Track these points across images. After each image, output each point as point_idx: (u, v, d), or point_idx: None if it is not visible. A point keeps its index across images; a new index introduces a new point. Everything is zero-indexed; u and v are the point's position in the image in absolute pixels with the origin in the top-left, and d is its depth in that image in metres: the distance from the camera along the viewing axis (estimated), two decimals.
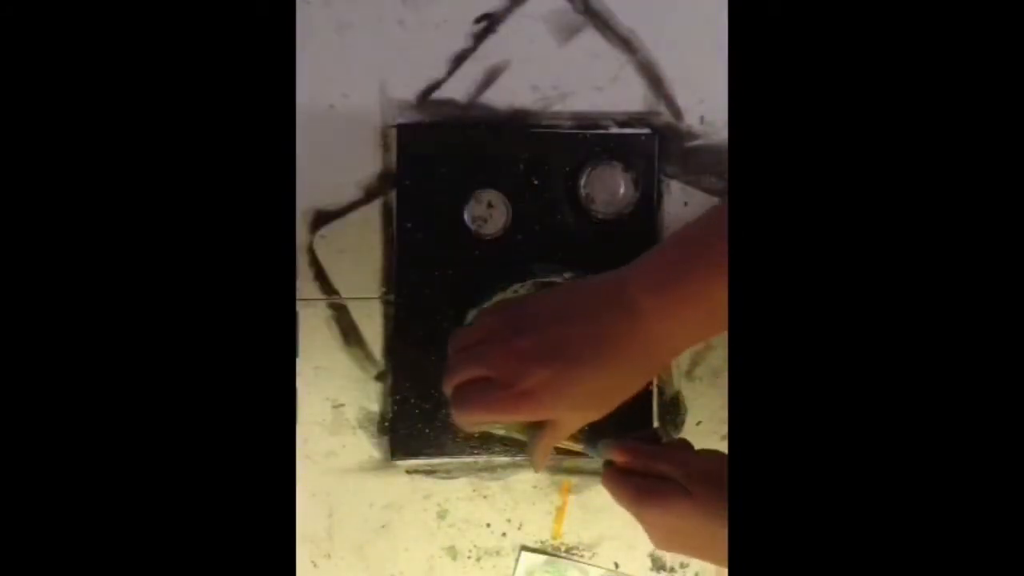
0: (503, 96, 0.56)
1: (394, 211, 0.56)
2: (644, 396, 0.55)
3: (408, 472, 0.56)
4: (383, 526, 0.56)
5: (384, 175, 0.56)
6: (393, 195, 0.56)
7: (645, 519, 0.46)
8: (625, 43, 0.56)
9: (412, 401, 0.55)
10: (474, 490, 0.56)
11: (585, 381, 0.43)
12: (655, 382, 0.56)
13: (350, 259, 0.56)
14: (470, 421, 0.45)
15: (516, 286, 0.53)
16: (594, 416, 0.45)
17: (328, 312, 0.56)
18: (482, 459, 0.56)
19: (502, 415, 0.44)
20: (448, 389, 0.46)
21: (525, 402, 0.43)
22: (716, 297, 0.40)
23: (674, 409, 0.57)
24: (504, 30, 0.56)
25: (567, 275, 0.53)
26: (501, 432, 0.50)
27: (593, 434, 0.49)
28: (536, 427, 0.47)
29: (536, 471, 0.51)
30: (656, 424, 0.56)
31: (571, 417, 0.45)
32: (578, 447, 0.50)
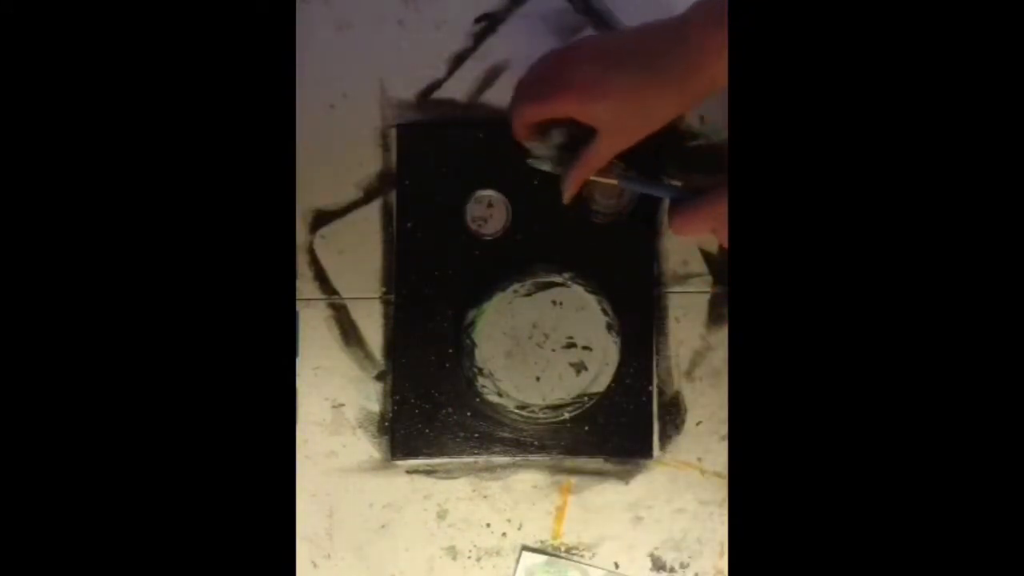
0: (503, 96, 0.56)
1: (394, 211, 0.56)
2: (644, 396, 0.55)
3: (408, 472, 0.56)
4: (383, 526, 0.56)
5: (384, 175, 0.56)
6: (393, 195, 0.56)
7: (719, 216, 0.49)
8: None
9: (412, 401, 0.55)
10: (474, 490, 0.56)
11: (629, 87, 0.45)
12: (655, 382, 0.56)
13: (350, 259, 0.56)
14: (522, 116, 0.48)
15: (516, 286, 0.53)
16: (629, 136, 0.47)
17: (328, 312, 0.56)
18: (482, 459, 0.56)
19: (547, 104, 0.47)
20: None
21: (570, 93, 0.46)
22: None
23: (674, 409, 0.57)
24: (504, 30, 0.57)
25: (567, 275, 0.53)
26: (545, 167, 0.51)
27: (626, 169, 0.51)
28: (572, 155, 0.49)
29: (565, 201, 0.51)
30: (656, 425, 0.56)
31: (610, 130, 0.47)
32: (612, 180, 0.51)
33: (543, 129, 0.49)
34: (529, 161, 0.50)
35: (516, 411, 0.53)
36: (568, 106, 0.46)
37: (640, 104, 0.46)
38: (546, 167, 0.50)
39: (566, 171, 0.50)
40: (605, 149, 0.48)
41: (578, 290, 0.53)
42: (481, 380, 0.53)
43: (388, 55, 0.56)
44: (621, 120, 0.46)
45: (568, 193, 0.51)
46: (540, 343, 0.53)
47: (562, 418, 0.54)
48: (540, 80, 0.47)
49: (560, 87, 0.46)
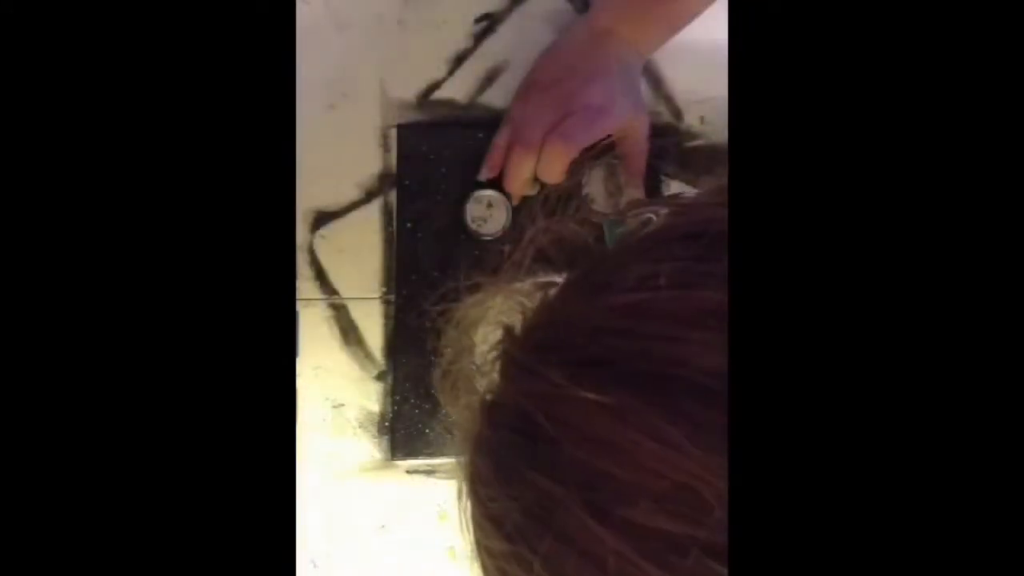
0: (503, 96, 0.56)
1: (394, 211, 0.56)
2: None
3: (408, 472, 0.56)
4: (383, 526, 0.56)
5: (384, 175, 0.56)
6: (393, 195, 0.56)
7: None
8: None
9: (412, 401, 0.55)
10: None
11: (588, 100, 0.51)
12: None
13: (350, 259, 0.56)
14: (515, 190, 0.54)
15: (516, 285, 0.53)
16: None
17: (328, 312, 0.56)
18: None
19: (517, 164, 0.52)
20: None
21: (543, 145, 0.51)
22: None
23: None
24: (504, 30, 0.57)
25: (567, 275, 0.53)
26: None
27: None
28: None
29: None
30: None
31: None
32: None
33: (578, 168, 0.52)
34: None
35: None
36: (524, 161, 0.51)
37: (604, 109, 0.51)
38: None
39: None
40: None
41: None
42: (481, 380, 0.53)
43: (388, 55, 0.56)
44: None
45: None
46: None
47: None
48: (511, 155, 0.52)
49: (524, 148, 0.51)
